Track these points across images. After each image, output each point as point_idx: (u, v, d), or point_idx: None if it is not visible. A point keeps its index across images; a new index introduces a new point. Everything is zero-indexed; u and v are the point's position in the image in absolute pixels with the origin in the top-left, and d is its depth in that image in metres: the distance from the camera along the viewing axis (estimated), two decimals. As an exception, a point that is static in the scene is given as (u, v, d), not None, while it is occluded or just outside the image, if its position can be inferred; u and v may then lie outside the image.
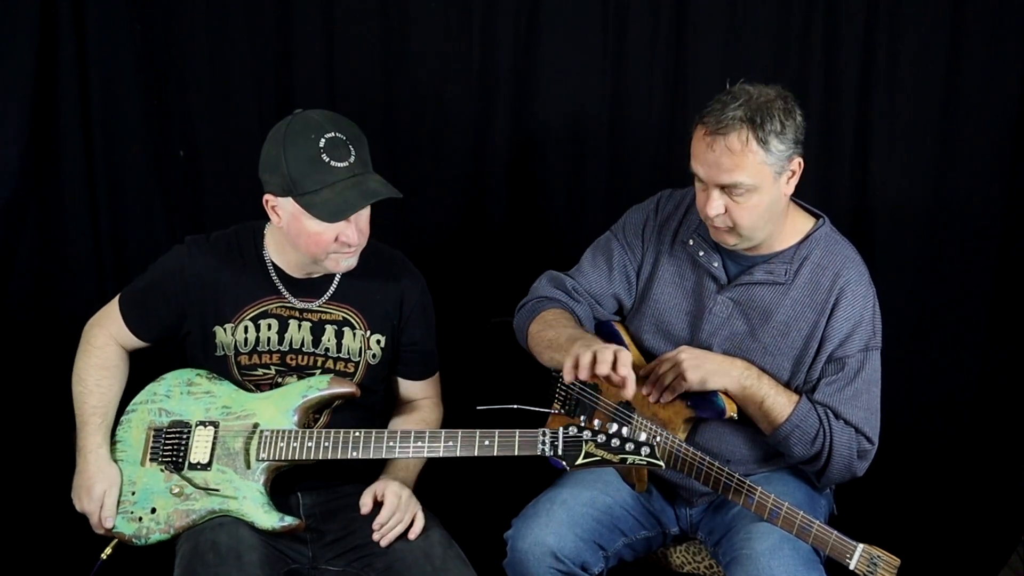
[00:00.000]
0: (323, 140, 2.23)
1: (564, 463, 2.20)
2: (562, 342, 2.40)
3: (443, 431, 2.29)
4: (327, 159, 2.23)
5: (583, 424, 2.22)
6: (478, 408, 2.43)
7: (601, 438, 2.18)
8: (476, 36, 3.22)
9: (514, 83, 3.24)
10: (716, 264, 2.44)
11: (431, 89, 3.24)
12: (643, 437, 2.18)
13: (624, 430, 2.19)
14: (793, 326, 2.37)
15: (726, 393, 2.36)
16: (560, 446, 2.20)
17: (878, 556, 2.20)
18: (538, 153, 3.26)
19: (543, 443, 2.21)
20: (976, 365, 3.19)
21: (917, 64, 3.05)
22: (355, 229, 2.30)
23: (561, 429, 2.22)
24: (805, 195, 2.52)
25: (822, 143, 3.10)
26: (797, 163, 2.30)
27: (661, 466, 2.18)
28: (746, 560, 2.22)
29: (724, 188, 2.26)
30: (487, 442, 2.25)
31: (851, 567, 2.20)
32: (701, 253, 2.46)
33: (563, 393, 2.65)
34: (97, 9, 3.06)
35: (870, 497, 3.13)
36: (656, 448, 2.18)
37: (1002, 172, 3.08)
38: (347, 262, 2.36)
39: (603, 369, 2.19)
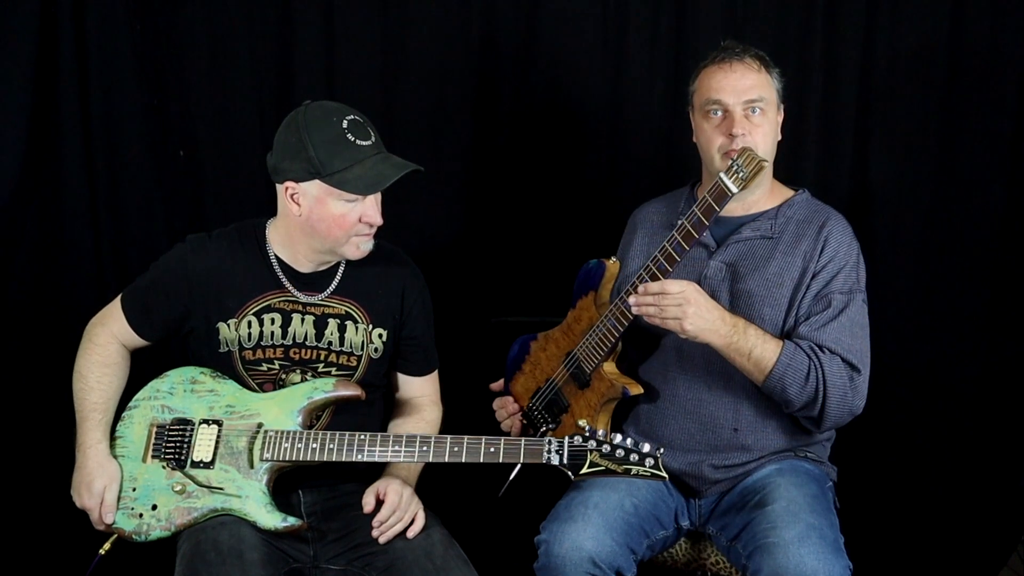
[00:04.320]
0: (345, 121, 2.30)
1: (569, 473, 2.22)
2: None
3: (448, 437, 2.30)
4: (352, 138, 2.29)
5: (588, 433, 2.24)
6: (500, 496, 2.45)
7: (606, 448, 2.21)
8: (476, 35, 3.22)
9: (514, 82, 3.25)
10: (705, 232, 2.48)
11: (431, 88, 3.25)
12: (647, 448, 2.21)
13: (628, 440, 2.22)
14: (786, 275, 2.44)
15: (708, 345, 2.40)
16: (565, 455, 2.22)
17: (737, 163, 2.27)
18: (538, 151, 3.27)
19: (548, 452, 2.24)
20: (976, 365, 3.18)
21: (917, 61, 3.06)
22: (378, 208, 2.35)
23: (567, 438, 2.24)
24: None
25: (822, 139, 3.11)
26: (782, 110, 2.55)
27: (665, 478, 2.21)
28: (773, 548, 2.20)
29: (745, 108, 2.44)
30: (492, 449, 2.26)
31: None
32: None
33: (530, 417, 2.73)
34: (97, 9, 3.06)
35: (870, 497, 3.14)
36: (660, 459, 2.20)
37: (1002, 169, 3.09)
38: (366, 245, 2.40)
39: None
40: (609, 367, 2.50)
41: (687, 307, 2.30)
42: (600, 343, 2.47)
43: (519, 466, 2.32)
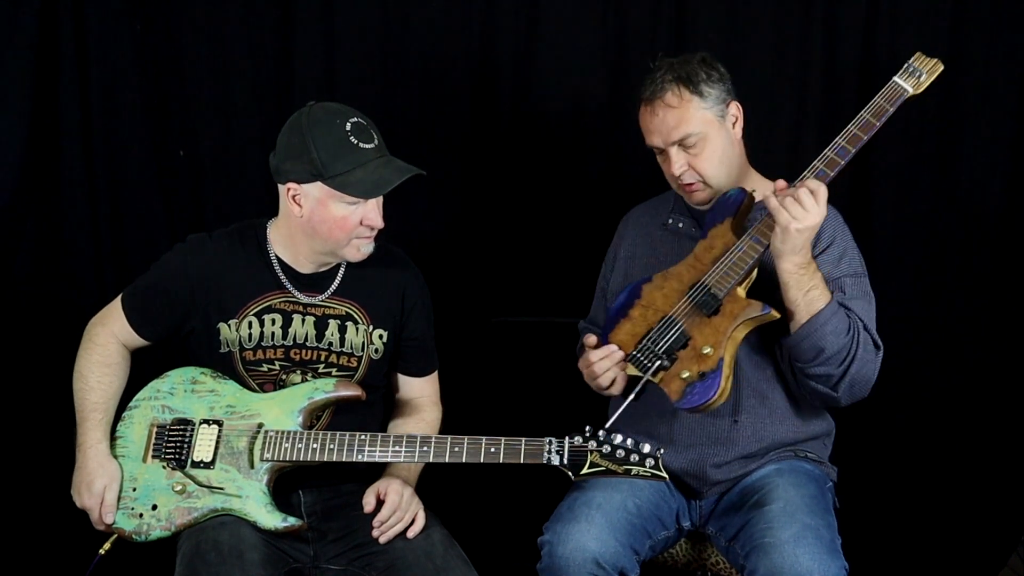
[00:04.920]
0: (349, 124, 2.30)
1: (569, 473, 2.22)
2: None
3: (449, 437, 2.30)
4: (355, 141, 2.29)
5: (588, 431, 2.25)
6: (607, 426, 2.34)
7: (606, 448, 2.21)
8: (476, 35, 3.22)
9: (514, 82, 3.25)
10: (695, 229, 2.58)
11: (431, 89, 3.25)
12: (648, 448, 2.21)
13: (629, 441, 2.22)
14: None
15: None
16: (566, 455, 2.23)
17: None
18: (538, 151, 3.27)
19: (549, 452, 2.24)
20: (976, 365, 3.19)
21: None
22: (379, 212, 2.35)
23: (567, 438, 2.24)
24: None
25: (822, 140, 3.09)
26: (735, 107, 2.53)
27: (665, 478, 2.21)
28: (770, 548, 2.20)
29: (680, 145, 2.46)
30: (492, 449, 2.26)
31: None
32: (680, 225, 2.61)
33: (642, 355, 2.48)
34: (97, 9, 3.07)
35: (870, 497, 3.15)
36: (660, 460, 2.20)
37: (1003, 170, 3.10)
38: (367, 248, 2.40)
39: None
40: (743, 292, 2.38)
41: (809, 222, 2.26)
42: (737, 264, 2.36)
43: (640, 386, 2.31)
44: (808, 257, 2.31)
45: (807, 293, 2.31)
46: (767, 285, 2.37)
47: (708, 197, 2.51)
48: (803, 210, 2.24)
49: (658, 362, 2.37)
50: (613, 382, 2.46)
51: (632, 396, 2.35)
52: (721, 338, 2.33)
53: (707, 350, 2.28)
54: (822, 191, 2.27)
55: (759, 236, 2.34)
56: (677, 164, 2.47)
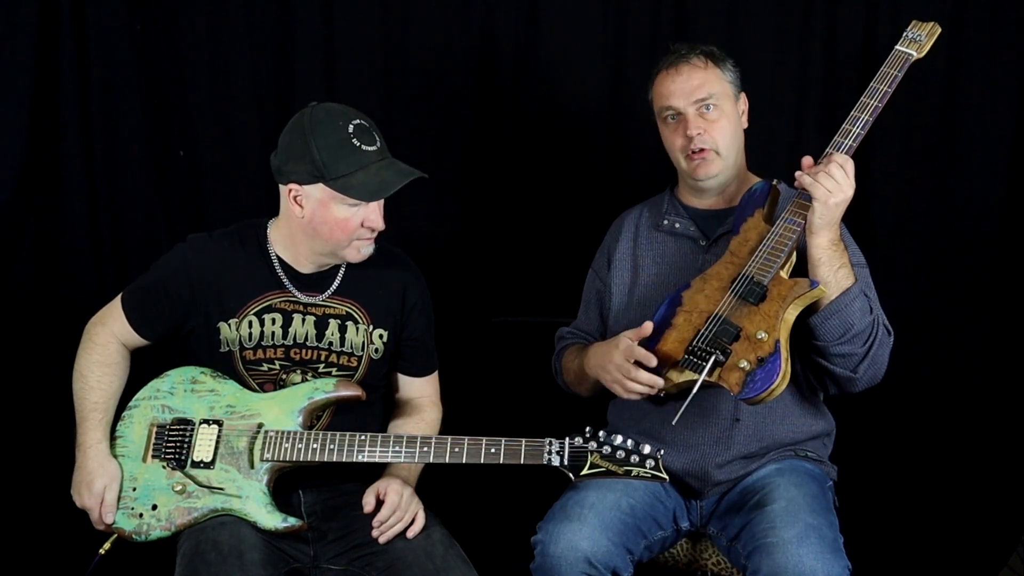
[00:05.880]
0: (351, 125, 2.29)
1: (569, 474, 2.22)
2: (580, 373, 2.62)
3: (449, 437, 2.30)
4: (357, 143, 2.29)
5: (589, 432, 2.25)
6: (674, 423, 2.32)
7: (607, 449, 2.21)
8: (476, 35, 3.23)
9: (514, 82, 3.25)
10: (692, 228, 2.61)
11: (431, 88, 3.25)
12: (648, 449, 2.21)
13: (629, 442, 2.22)
14: None
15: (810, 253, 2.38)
16: (566, 456, 2.23)
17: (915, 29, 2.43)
18: (538, 151, 3.28)
19: (549, 453, 2.24)
20: (976, 365, 3.19)
21: (917, 60, 3.05)
22: (380, 213, 2.35)
23: (567, 439, 2.24)
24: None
25: (822, 140, 3.09)
26: (744, 99, 2.61)
27: (666, 479, 2.21)
28: (772, 548, 2.20)
29: (699, 109, 2.51)
30: (493, 450, 2.26)
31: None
32: (677, 225, 2.63)
33: (695, 356, 2.40)
34: (97, 9, 3.07)
35: (870, 496, 3.15)
36: (660, 461, 2.20)
37: (1003, 170, 3.10)
38: (367, 249, 2.40)
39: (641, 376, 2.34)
40: (786, 274, 2.36)
41: (844, 194, 2.30)
42: (777, 247, 2.36)
43: (693, 392, 2.28)
44: (839, 234, 2.35)
45: (837, 271, 2.33)
46: (796, 271, 2.39)
47: (715, 171, 2.54)
48: (836, 183, 2.29)
49: (712, 358, 2.29)
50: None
51: (688, 400, 2.30)
52: (774, 321, 2.29)
53: (761, 335, 2.26)
54: (850, 164, 2.32)
55: (793, 217, 2.37)
56: (695, 125, 2.50)
